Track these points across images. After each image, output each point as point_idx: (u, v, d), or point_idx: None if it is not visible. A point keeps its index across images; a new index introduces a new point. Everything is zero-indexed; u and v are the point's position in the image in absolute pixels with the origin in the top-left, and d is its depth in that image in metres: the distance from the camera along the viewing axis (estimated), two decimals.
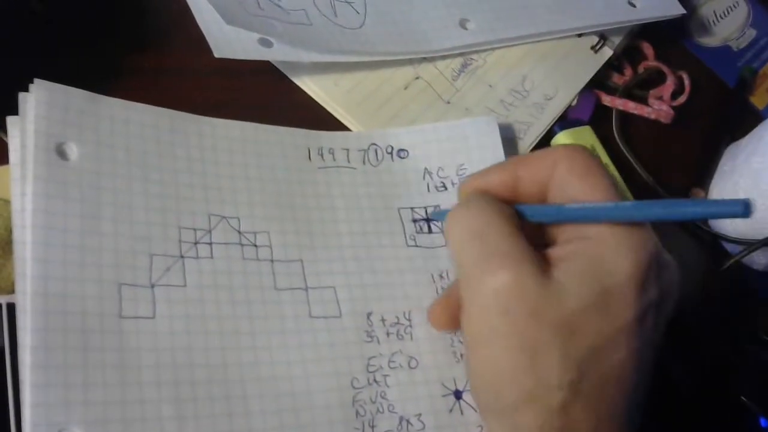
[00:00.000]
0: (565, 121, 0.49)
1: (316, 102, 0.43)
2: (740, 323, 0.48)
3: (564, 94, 0.49)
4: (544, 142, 0.47)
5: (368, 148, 0.41)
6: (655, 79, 0.54)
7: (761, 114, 0.59)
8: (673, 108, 0.53)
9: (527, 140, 0.46)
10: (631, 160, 0.50)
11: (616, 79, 0.53)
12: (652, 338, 0.29)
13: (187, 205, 0.35)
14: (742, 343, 0.46)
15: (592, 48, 0.51)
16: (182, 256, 0.34)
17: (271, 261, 0.36)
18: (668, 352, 0.44)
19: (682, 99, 0.54)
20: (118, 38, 0.40)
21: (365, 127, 0.42)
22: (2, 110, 0.33)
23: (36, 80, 0.33)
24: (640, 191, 0.48)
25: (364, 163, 0.40)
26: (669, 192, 0.50)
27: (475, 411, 0.35)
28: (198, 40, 0.39)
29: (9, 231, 0.32)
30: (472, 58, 0.47)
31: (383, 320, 0.36)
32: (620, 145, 0.50)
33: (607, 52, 0.52)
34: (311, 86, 0.42)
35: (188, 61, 0.41)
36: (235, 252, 0.35)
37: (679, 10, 0.55)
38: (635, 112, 0.52)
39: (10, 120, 0.33)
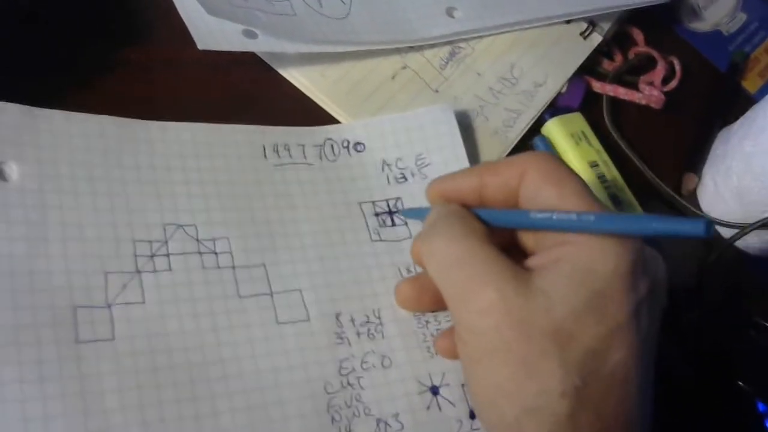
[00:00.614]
0: (555, 108, 0.48)
1: (303, 93, 0.42)
2: (736, 308, 0.48)
3: (553, 81, 0.48)
4: (535, 129, 0.47)
5: (324, 143, 0.40)
6: (646, 64, 0.54)
7: (753, 98, 0.58)
8: (664, 93, 0.53)
9: (517, 128, 0.46)
10: (623, 146, 0.50)
11: (606, 66, 0.53)
12: (650, 331, 0.29)
13: (140, 216, 0.34)
14: (738, 328, 0.46)
15: (581, 34, 0.51)
16: (139, 271, 0.32)
17: (233, 268, 0.34)
18: (665, 339, 0.44)
19: (673, 84, 0.54)
20: (103, 32, 0.40)
21: (353, 117, 0.42)
22: None
23: None
24: (632, 177, 0.48)
25: (320, 158, 0.39)
26: (661, 177, 0.50)
27: (454, 406, 0.35)
28: (182, 33, 0.38)
29: None
30: (459, 47, 0.47)
31: (353, 320, 0.36)
32: (611, 131, 0.50)
33: (597, 38, 0.51)
34: (298, 77, 0.42)
35: (172, 54, 0.40)
36: (194, 262, 0.34)
37: None
38: (626, 98, 0.52)
39: None
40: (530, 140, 0.47)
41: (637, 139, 0.51)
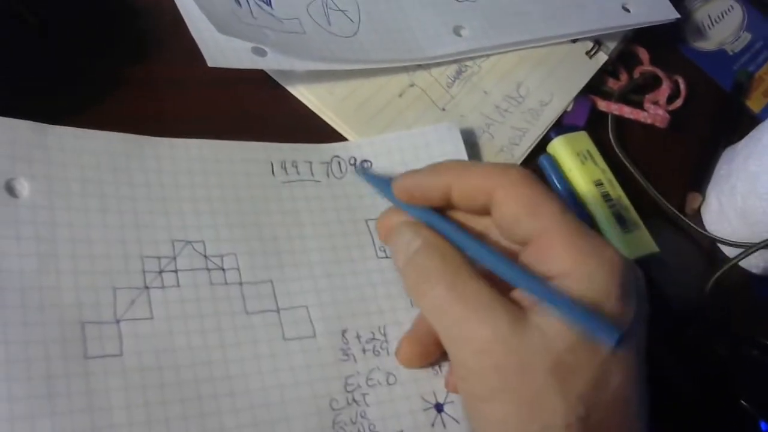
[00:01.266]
0: (560, 126, 0.49)
1: (311, 110, 0.42)
2: (739, 328, 0.48)
3: (559, 100, 0.49)
4: (540, 147, 0.47)
5: (331, 161, 0.40)
6: (651, 83, 0.54)
7: (757, 117, 0.59)
8: (669, 112, 0.53)
9: (523, 146, 0.46)
10: (628, 165, 0.50)
11: (612, 84, 0.53)
12: (641, 347, 0.29)
13: (148, 233, 0.34)
14: (741, 347, 0.46)
15: (587, 53, 0.51)
16: (147, 287, 0.32)
17: (240, 284, 0.35)
18: (668, 357, 0.44)
19: (678, 103, 0.54)
20: (112, 49, 0.40)
21: (361, 135, 0.42)
22: None
23: None
24: (637, 196, 0.48)
25: (328, 175, 0.40)
26: (665, 196, 0.50)
27: (458, 423, 0.35)
28: (191, 50, 0.39)
29: None
30: (466, 65, 0.47)
31: (358, 337, 0.36)
32: (616, 150, 0.50)
33: (602, 58, 0.52)
34: (306, 95, 0.42)
35: (182, 71, 0.40)
36: (202, 278, 0.34)
37: (673, 15, 0.55)
38: (631, 117, 0.52)
39: None
40: (536, 158, 0.47)
41: (642, 158, 0.51)
